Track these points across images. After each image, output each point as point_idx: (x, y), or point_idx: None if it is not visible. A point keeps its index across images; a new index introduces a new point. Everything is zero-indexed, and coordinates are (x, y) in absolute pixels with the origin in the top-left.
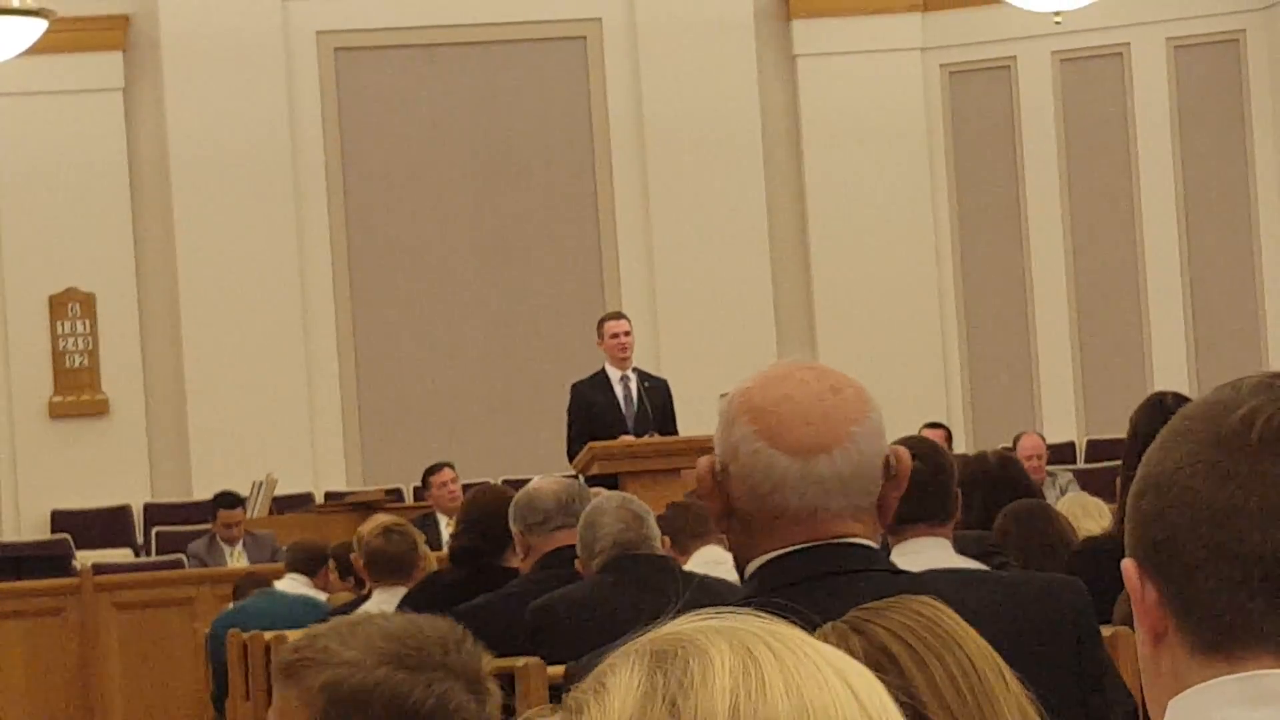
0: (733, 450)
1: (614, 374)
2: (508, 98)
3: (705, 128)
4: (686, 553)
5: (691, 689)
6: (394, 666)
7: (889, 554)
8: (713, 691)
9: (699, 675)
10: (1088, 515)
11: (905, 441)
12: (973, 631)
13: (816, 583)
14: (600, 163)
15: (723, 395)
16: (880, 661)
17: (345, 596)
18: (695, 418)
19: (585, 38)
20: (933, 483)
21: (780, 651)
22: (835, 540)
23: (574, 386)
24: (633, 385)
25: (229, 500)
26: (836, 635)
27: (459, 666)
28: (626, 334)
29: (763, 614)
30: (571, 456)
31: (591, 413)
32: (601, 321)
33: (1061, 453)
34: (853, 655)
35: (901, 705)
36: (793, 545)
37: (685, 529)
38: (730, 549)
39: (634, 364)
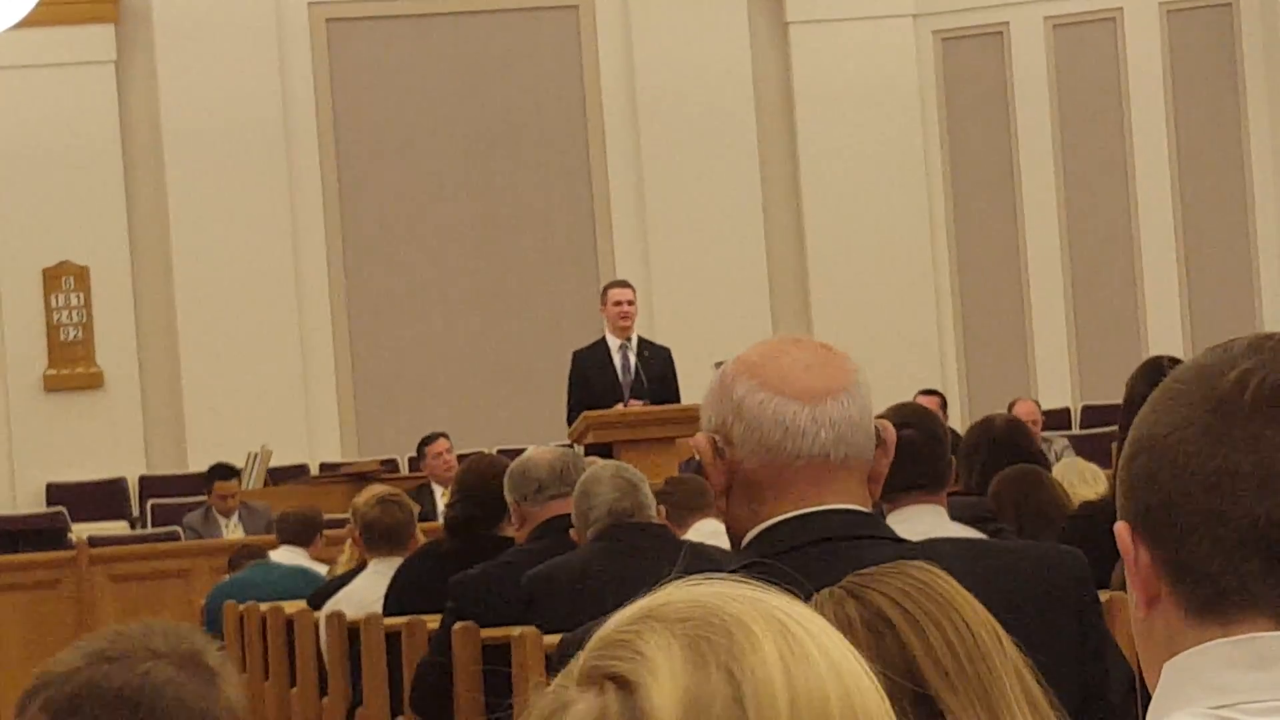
0: (735, 409)
1: (613, 343)
2: (500, 67)
3: (698, 96)
4: (684, 525)
5: (743, 655)
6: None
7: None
8: (765, 659)
9: (746, 643)
10: (1083, 481)
11: (898, 409)
12: (970, 597)
13: (814, 548)
14: (593, 132)
15: (718, 364)
16: (877, 627)
17: (342, 568)
18: (689, 387)
19: (577, 6)
20: (926, 449)
21: (801, 620)
22: (836, 507)
23: (574, 355)
24: (631, 354)
25: (224, 472)
26: (833, 601)
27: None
28: (630, 303)
29: (755, 581)
30: (570, 424)
31: (588, 381)
32: (606, 288)
33: (1056, 419)
34: (849, 620)
35: (898, 671)
36: (792, 512)
37: (682, 502)
38: (728, 524)
39: (635, 334)
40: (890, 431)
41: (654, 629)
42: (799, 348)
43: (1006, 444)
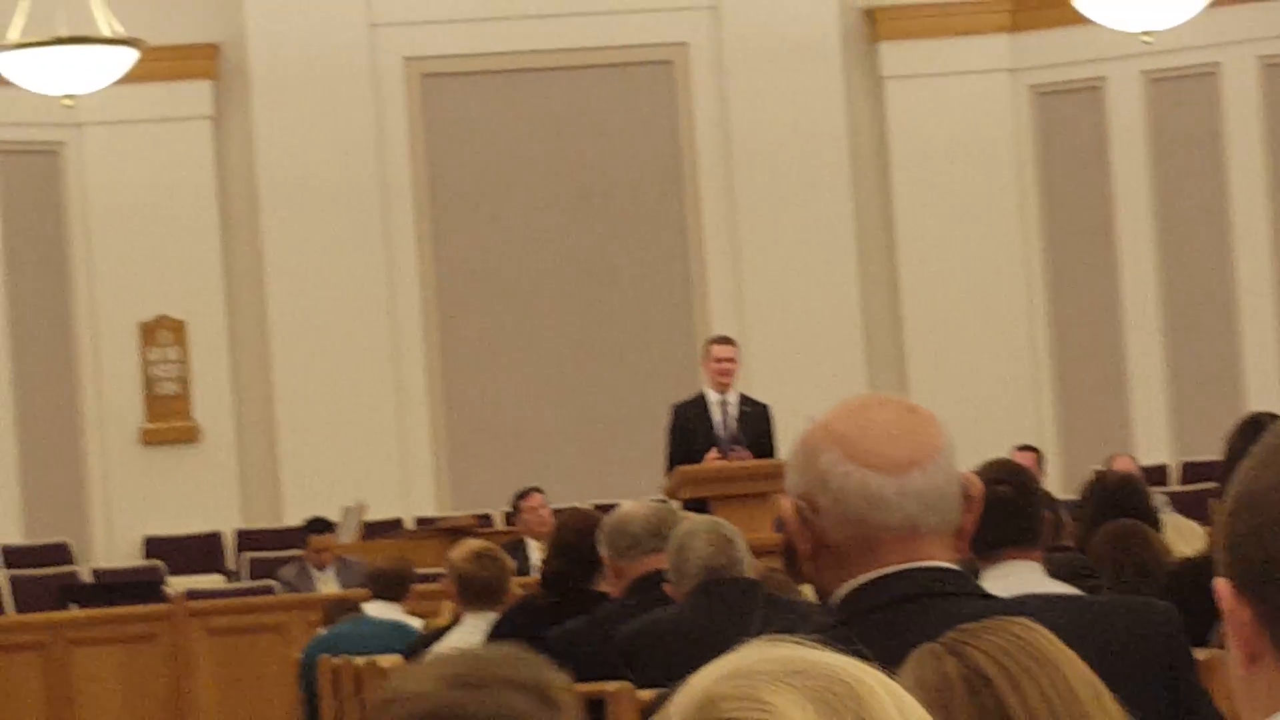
0: (820, 480)
1: (712, 397)
2: (595, 122)
3: (793, 151)
4: None
5: (868, 706)
6: (454, 687)
7: (977, 578)
8: (886, 710)
9: (867, 695)
10: (1182, 538)
11: (993, 465)
12: (1070, 653)
13: (904, 606)
14: (688, 186)
15: (811, 418)
16: (975, 683)
17: (437, 622)
18: (782, 441)
19: (672, 61)
20: (1021, 506)
21: (886, 676)
22: (925, 564)
23: (674, 407)
24: (731, 409)
25: (320, 526)
26: (932, 657)
27: (521, 679)
28: (730, 360)
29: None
30: (669, 476)
31: (687, 434)
32: (708, 343)
33: (1155, 475)
34: (947, 677)
35: None
36: (881, 571)
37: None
38: (816, 586)
39: (736, 390)
40: (977, 487)
41: (768, 683)
42: (884, 412)
43: (1118, 500)
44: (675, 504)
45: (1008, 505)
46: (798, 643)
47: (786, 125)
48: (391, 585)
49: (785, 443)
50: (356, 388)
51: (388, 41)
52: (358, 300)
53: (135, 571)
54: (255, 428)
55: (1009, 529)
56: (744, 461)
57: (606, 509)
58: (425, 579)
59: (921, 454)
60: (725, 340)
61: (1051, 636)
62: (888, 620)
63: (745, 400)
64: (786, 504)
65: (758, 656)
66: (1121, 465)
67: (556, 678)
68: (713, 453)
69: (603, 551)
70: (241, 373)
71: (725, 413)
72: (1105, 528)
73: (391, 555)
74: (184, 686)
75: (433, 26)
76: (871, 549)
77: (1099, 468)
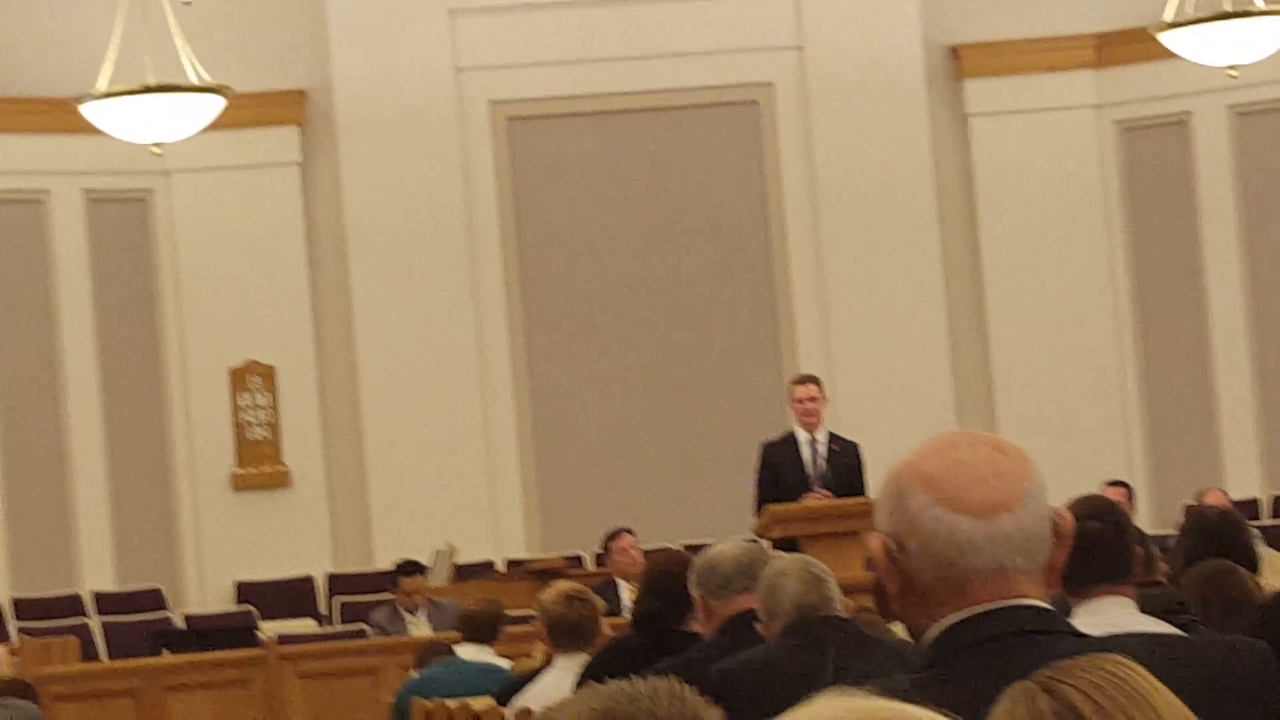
0: (909, 523)
1: (802, 435)
2: (681, 163)
3: (879, 189)
4: None
5: None
6: (604, 717)
7: (1069, 615)
8: None
9: None
10: (1274, 572)
11: (1083, 501)
12: (1164, 690)
13: (995, 644)
14: (774, 226)
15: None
16: None
17: (528, 664)
18: (871, 479)
19: (757, 102)
20: (1112, 542)
21: None
22: (1016, 602)
23: (763, 446)
24: (820, 447)
25: (410, 568)
26: (1026, 695)
27: (670, 714)
28: (813, 399)
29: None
30: (759, 515)
31: (777, 474)
32: (792, 384)
33: (1246, 509)
34: (1041, 715)
35: None
36: (971, 610)
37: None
38: (905, 623)
39: (824, 428)
40: (1067, 522)
41: None
42: (973, 453)
43: (1217, 535)
44: (765, 543)
45: (1099, 541)
46: (872, 693)
47: (872, 163)
48: (482, 627)
49: (875, 480)
50: (446, 430)
51: (473, 85)
52: (446, 342)
53: (227, 617)
54: (345, 471)
55: (1101, 565)
56: (834, 500)
57: (696, 549)
58: (516, 621)
59: (1010, 496)
60: (806, 379)
61: (1145, 673)
62: (980, 659)
63: (834, 439)
64: (875, 543)
65: (834, 708)
66: (1213, 499)
67: (710, 713)
68: (813, 494)
69: (694, 592)
70: (331, 416)
71: (815, 451)
72: (1199, 567)
73: (482, 598)
74: None
75: (518, 70)
76: (961, 590)
77: (1190, 502)
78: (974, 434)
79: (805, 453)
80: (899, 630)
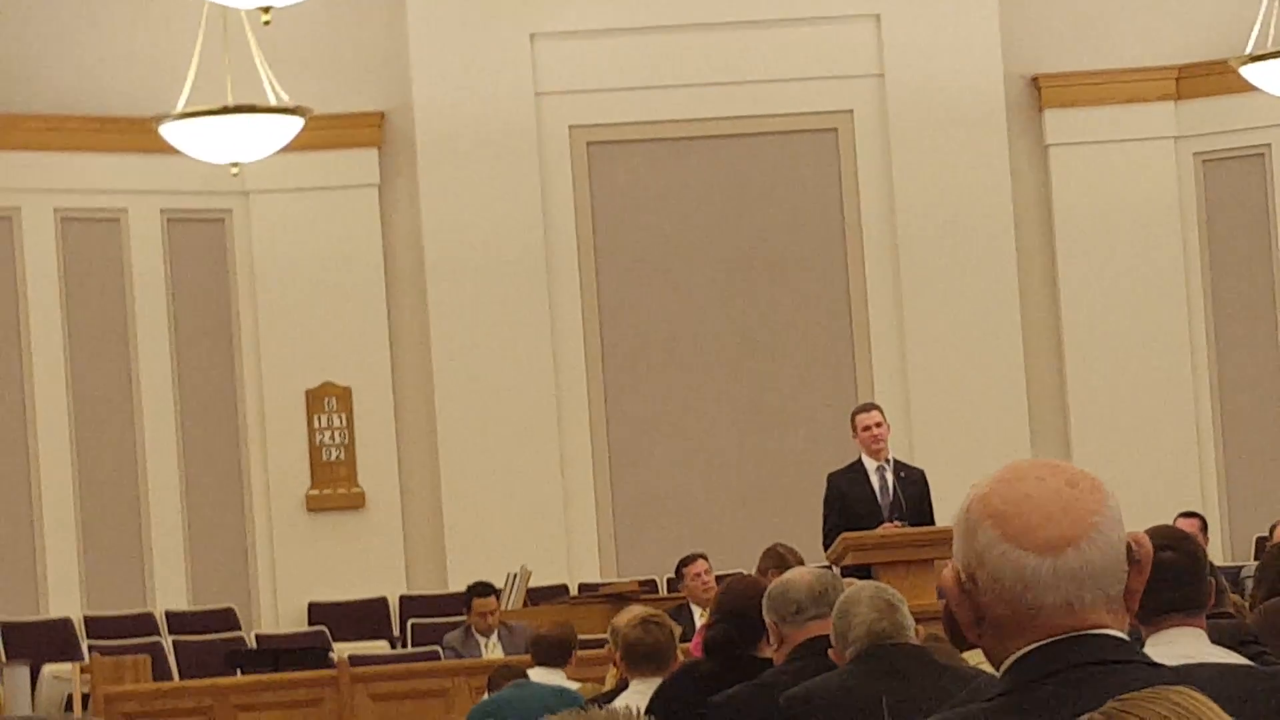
0: (978, 557)
1: (870, 464)
2: (760, 190)
3: (958, 218)
4: None
5: None
6: None
7: (1141, 644)
8: None
9: None
10: None
11: (1156, 531)
12: None
13: (1073, 674)
14: (852, 254)
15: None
16: None
17: (598, 687)
18: (948, 509)
19: (836, 129)
20: (1185, 572)
21: None
22: (1090, 632)
23: (830, 477)
24: (889, 475)
25: (483, 589)
26: None
27: None
28: (878, 425)
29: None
30: (826, 546)
31: (846, 503)
32: (854, 414)
33: None
34: None
35: None
36: (1045, 640)
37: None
38: (987, 655)
39: (890, 454)
40: (1145, 547)
41: None
42: (1042, 487)
43: None
44: (838, 570)
45: (1173, 572)
46: None
47: (951, 192)
48: (555, 651)
49: (946, 509)
50: (521, 453)
51: (553, 110)
52: (522, 366)
53: (300, 637)
54: (420, 494)
55: (1174, 596)
56: (907, 529)
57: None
58: (588, 645)
59: (1077, 531)
60: (869, 407)
61: (1211, 704)
62: (1053, 689)
63: (900, 466)
64: (948, 573)
65: None
66: None
67: None
68: (889, 524)
69: (767, 617)
70: (406, 439)
71: (884, 479)
72: (1273, 599)
73: (555, 621)
74: None
75: (598, 95)
76: (1031, 622)
77: (1263, 535)
78: (1046, 464)
79: (875, 481)
80: (972, 658)
